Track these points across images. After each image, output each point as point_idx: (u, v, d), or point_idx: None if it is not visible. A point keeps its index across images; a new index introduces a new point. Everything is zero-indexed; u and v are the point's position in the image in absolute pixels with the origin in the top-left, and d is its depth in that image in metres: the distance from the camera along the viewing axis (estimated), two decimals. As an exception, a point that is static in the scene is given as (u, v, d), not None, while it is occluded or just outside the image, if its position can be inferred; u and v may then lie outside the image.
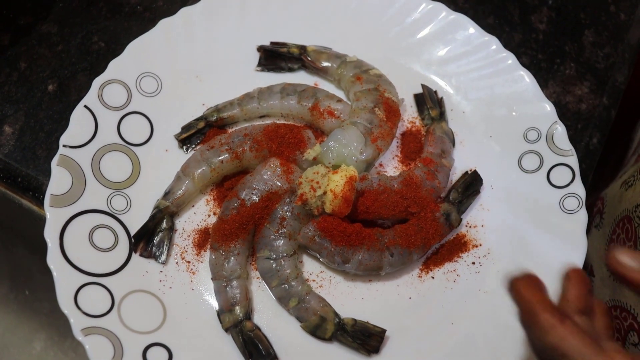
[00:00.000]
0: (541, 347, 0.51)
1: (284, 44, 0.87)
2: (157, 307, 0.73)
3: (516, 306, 0.53)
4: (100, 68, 0.82)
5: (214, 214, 0.78)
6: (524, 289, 0.53)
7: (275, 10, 0.89)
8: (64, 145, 0.76)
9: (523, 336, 0.69)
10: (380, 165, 0.82)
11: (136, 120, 0.81)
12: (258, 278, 0.75)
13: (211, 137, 0.82)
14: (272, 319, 0.73)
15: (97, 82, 0.81)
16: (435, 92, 0.86)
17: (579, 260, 0.73)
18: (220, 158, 0.78)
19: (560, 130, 0.81)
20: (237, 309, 0.72)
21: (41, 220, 0.73)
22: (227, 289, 0.72)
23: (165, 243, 0.75)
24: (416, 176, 0.77)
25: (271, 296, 0.74)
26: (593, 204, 0.84)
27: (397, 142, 0.84)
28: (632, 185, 0.75)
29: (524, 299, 0.52)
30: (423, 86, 0.86)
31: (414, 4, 0.89)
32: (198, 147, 0.82)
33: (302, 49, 0.87)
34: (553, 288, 0.53)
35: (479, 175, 0.80)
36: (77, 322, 0.68)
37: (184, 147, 0.82)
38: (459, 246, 0.77)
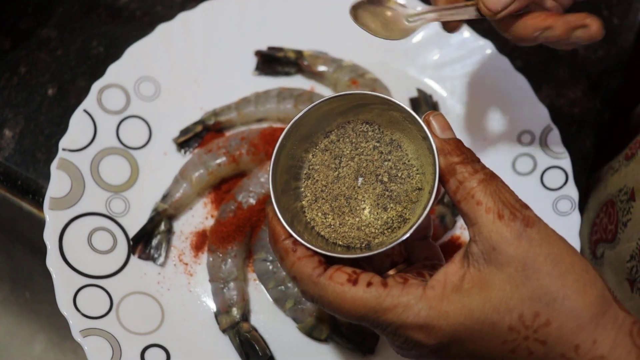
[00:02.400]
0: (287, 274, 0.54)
1: (280, 49, 0.88)
2: (155, 308, 0.73)
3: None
4: (100, 72, 0.83)
5: (212, 216, 0.79)
6: (270, 214, 0.54)
7: (273, 15, 0.90)
8: (64, 149, 0.77)
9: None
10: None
11: (135, 124, 0.82)
12: (255, 280, 0.76)
13: (209, 140, 0.83)
14: (268, 320, 0.74)
15: (96, 86, 0.81)
16: (430, 96, 0.87)
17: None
18: (217, 161, 0.79)
19: (554, 133, 0.82)
20: (234, 311, 0.72)
21: (41, 223, 0.74)
22: (224, 290, 0.73)
23: (164, 245, 0.76)
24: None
25: (268, 298, 0.75)
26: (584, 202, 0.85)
27: (393, 146, 0.84)
28: (617, 170, 0.76)
29: (270, 226, 0.54)
30: (418, 90, 0.87)
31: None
32: (196, 150, 0.83)
33: (299, 53, 0.88)
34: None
35: (473, 178, 0.80)
36: (76, 324, 0.69)
37: (182, 151, 0.83)
38: (454, 247, 0.78)
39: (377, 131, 0.58)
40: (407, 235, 0.51)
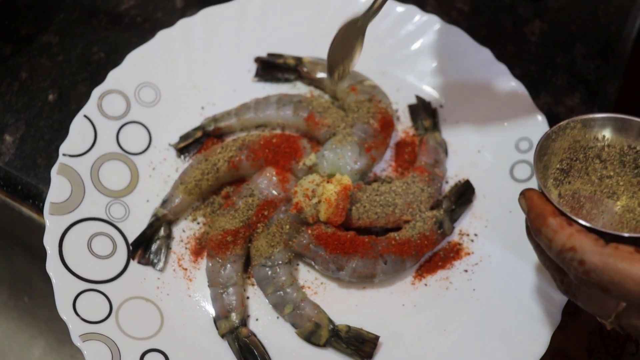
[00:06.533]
0: (552, 253, 0.56)
1: (280, 56, 0.89)
2: (155, 313, 0.74)
3: (526, 214, 0.59)
4: (100, 78, 0.83)
5: (211, 221, 0.79)
6: (535, 196, 0.58)
7: (272, 22, 0.91)
8: (64, 154, 0.78)
9: (514, 341, 0.70)
10: (375, 174, 0.83)
11: (135, 129, 0.83)
12: (254, 285, 0.76)
13: (208, 146, 0.83)
14: (267, 325, 0.74)
15: (97, 92, 0.82)
16: (429, 102, 0.87)
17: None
18: (217, 167, 0.79)
19: (552, 140, 0.82)
20: (233, 316, 0.73)
21: (41, 228, 0.74)
22: (224, 295, 0.73)
23: (163, 250, 0.77)
24: (410, 185, 0.78)
25: (267, 303, 0.75)
26: None
27: (391, 152, 0.85)
28: None
29: (534, 205, 0.58)
30: (417, 97, 0.87)
31: (408, 16, 0.90)
32: (195, 156, 0.83)
33: (298, 60, 0.88)
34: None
35: (471, 185, 0.81)
36: (75, 328, 0.69)
37: (182, 156, 0.83)
38: (452, 254, 0.78)
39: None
40: None
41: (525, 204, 0.59)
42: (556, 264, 0.59)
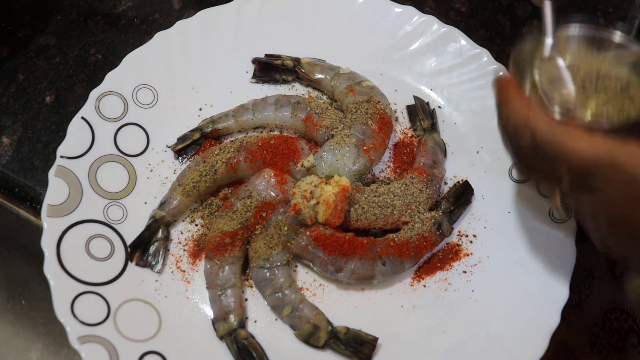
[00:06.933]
0: (510, 125, 0.59)
1: (278, 57, 0.89)
2: (153, 315, 0.73)
3: (495, 93, 0.63)
4: (97, 80, 0.83)
5: (209, 223, 0.79)
6: (504, 79, 0.62)
7: (270, 23, 0.91)
8: (61, 156, 0.77)
9: (513, 343, 0.70)
10: (373, 175, 0.83)
11: (132, 131, 0.83)
12: (252, 287, 0.76)
13: (206, 148, 0.83)
14: (266, 327, 0.74)
15: (94, 93, 0.82)
16: (427, 103, 0.87)
17: (568, 267, 0.74)
18: (215, 169, 0.79)
19: (550, 140, 0.82)
20: (232, 317, 0.73)
21: (38, 230, 0.74)
22: (222, 297, 0.73)
23: (161, 252, 0.76)
24: (408, 186, 0.78)
25: (265, 305, 0.75)
26: None
27: (390, 153, 0.85)
28: None
29: (501, 85, 0.61)
30: (415, 97, 0.87)
31: (406, 17, 0.90)
32: (193, 157, 0.83)
33: (296, 61, 0.88)
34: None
35: (470, 186, 0.81)
36: (73, 331, 0.69)
37: (180, 158, 0.83)
38: (451, 255, 0.78)
39: None
40: None
41: (496, 84, 0.62)
42: (514, 136, 0.62)
